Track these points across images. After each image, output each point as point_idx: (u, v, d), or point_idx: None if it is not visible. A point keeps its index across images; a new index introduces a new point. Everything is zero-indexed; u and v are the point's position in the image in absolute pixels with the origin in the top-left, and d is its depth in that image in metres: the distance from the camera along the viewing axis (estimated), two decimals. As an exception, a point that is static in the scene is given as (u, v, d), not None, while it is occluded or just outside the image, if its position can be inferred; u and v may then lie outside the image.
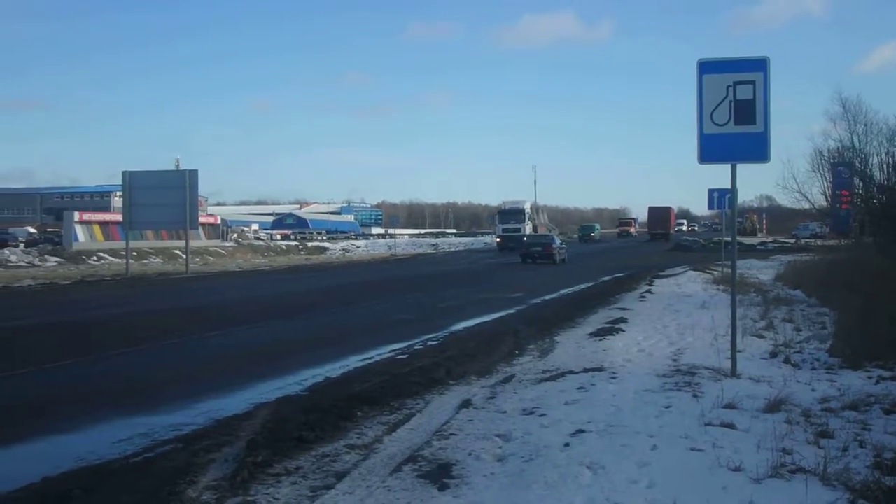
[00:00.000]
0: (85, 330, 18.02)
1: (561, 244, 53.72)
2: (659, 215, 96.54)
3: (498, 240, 69.80)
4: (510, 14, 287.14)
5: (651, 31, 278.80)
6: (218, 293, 28.00)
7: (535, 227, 70.63)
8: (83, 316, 20.76)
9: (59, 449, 8.22)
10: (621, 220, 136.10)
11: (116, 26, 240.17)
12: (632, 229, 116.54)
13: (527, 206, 72.96)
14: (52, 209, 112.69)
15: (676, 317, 17.59)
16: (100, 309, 22.58)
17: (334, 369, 11.98)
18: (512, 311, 20.12)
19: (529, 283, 30.49)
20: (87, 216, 62.31)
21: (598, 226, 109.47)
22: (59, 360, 13.14)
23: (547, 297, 23.95)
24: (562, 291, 26.10)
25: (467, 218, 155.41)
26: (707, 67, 10.74)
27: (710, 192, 28.42)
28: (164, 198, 39.73)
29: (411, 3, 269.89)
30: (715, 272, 32.02)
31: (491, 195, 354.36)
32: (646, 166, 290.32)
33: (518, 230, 67.34)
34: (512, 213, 71.46)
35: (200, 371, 12.50)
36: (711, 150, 10.71)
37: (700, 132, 10.68)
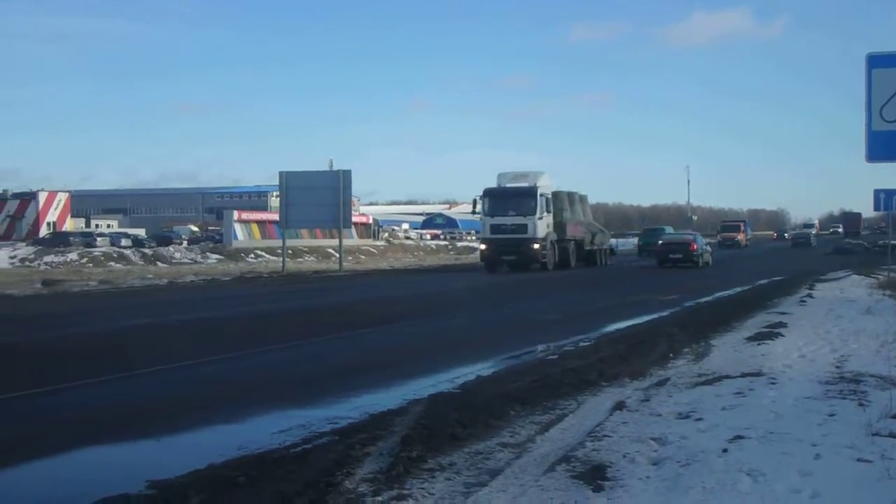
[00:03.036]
0: (245, 325, 18.60)
1: (706, 244, 46.28)
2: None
3: (483, 247, 41.83)
4: (678, 13, 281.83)
5: (824, 27, 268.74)
6: (369, 291, 28.43)
7: (561, 225, 42.83)
8: (242, 311, 21.41)
9: (223, 438, 8.52)
10: (725, 223, 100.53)
11: (278, 31, 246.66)
12: (740, 236, 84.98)
13: (541, 184, 41.53)
14: (213, 208, 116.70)
15: (839, 322, 16.94)
16: (259, 304, 23.25)
17: (485, 368, 12.01)
18: (665, 313, 19.77)
19: (682, 285, 29.89)
20: (245, 215, 64.36)
21: (669, 230, 69.13)
22: (220, 354, 13.60)
23: (701, 300, 23.44)
24: (716, 294, 25.49)
25: (617, 219, 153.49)
26: (877, 61, 10.32)
27: (877, 192, 27.34)
28: (318, 198, 40.77)
29: (577, 5, 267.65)
30: (881, 276, 30.76)
31: (642, 196, 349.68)
32: (807, 166, 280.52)
33: (521, 228, 39.73)
34: (511, 197, 40.61)
35: (355, 366, 12.71)
36: (880, 148, 10.28)
37: (868, 129, 10.27)
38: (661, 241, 47.71)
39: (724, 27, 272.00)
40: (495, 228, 40.47)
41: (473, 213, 43.90)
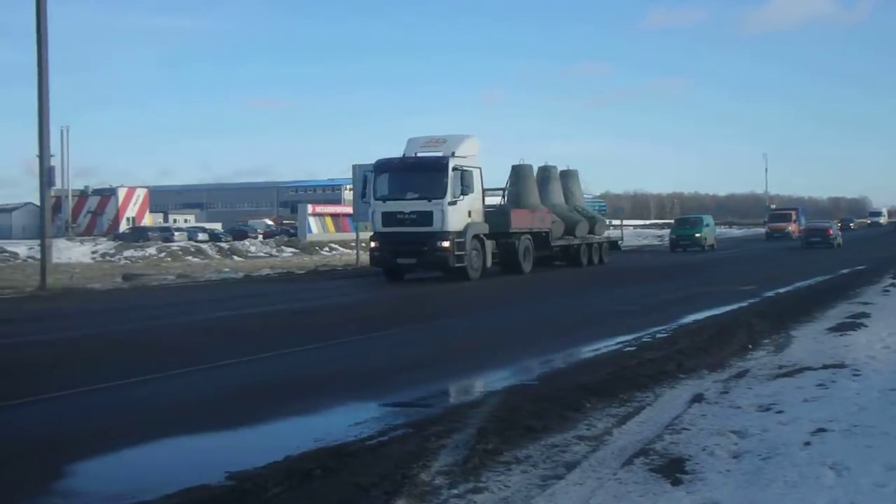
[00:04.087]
0: (320, 317, 18.76)
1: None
2: None
3: (372, 245, 28.56)
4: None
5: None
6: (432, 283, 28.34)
7: (502, 214, 30.43)
8: (317, 304, 21.58)
9: (300, 430, 8.60)
10: (774, 211, 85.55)
11: (347, 22, 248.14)
12: (792, 227, 71.83)
13: (461, 153, 28.66)
14: (287, 202, 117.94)
15: (924, 312, 16.51)
16: (333, 297, 23.45)
17: (560, 360, 11.95)
18: (743, 303, 19.44)
19: (760, 274, 29.42)
20: (319, 209, 64.89)
21: (708, 220, 57.77)
22: (295, 346, 13.71)
23: (781, 290, 23.03)
24: (796, 284, 25.02)
25: (694, 209, 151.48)
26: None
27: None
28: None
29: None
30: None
31: (719, 185, 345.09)
32: (891, 152, 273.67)
33: (424, 218, 27.14)
34: (411, 173, 28.56)
35: (432, 358, 12.74)
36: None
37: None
38: (805, 227, 50.34)
39: (805, 10, 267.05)
40: (389, 218, 27.36)
41: (363, 197, 29.52)
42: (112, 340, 14.93)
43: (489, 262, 28.64)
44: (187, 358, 12.33)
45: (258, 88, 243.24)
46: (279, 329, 16.41)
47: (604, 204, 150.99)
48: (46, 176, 26.83)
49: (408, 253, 27.08)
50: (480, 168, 29.18)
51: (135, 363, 12.05)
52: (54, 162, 31.43)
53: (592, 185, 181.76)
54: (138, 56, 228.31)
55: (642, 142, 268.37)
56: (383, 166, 28.45)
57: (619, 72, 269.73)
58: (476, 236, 27.92)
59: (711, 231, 56.32)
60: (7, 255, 44.71)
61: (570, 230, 35.09)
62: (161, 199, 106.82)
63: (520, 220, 30.67)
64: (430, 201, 26.95)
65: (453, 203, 26.93)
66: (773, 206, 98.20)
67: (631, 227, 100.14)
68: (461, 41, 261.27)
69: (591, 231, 37.25)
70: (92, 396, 10.03)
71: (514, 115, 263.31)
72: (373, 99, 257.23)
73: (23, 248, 47.49)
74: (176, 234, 66.73)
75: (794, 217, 75.81)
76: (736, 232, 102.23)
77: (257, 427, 8.78)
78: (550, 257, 33.69)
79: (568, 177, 38.63)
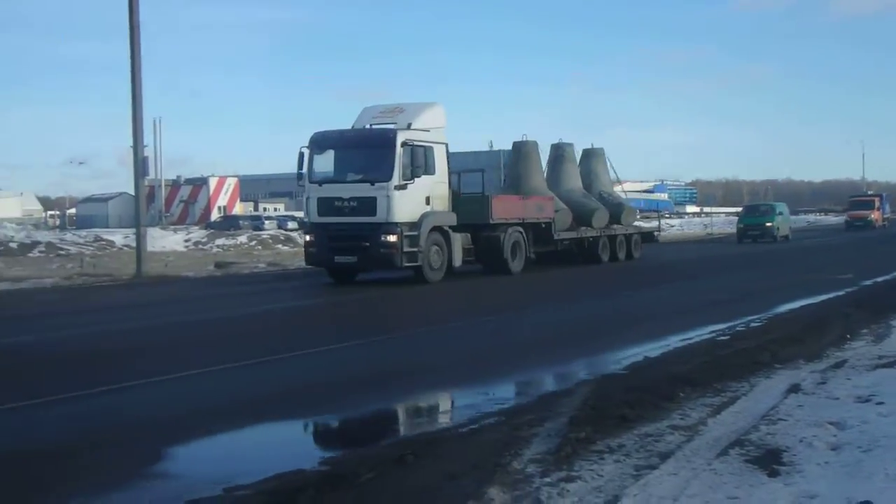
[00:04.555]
0: (402, 305, 18.85)
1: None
2: None
3: (307, 238, 23.60)
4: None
5: None
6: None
7: (478, 202, 25.02)
8: (402, 291, 21.63)
9: (393, 417, 8.68)
10: (855, 198, 74.38)
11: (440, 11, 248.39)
12: (874, 215, 65.28)
13: (419, 125, 23.20)
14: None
15: None
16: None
17: (653, 349, 11.80)
18: (840, 292, 19.00)
19: (858, 263, 28.67)
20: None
21: (781, 208, 52.44)
22: (383, 334, 13.77)
23: (879, 280, 22.45)
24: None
25: (788, 196, 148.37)
26: None
27: None
28: (479, 178, 40.86)
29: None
30: None
31: (815, 171, 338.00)
32: None
33: (366, 206, 21.95)
34: (353, 150, 23.40)
35: (523, 347, 12.70)
36: None
37: None
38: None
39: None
40: (325, 206, 22.45)
41: (298, 181, 23.55)
42: (210, 326, 15.23)
43: (457, 261, 23.27)
44: (275, 346, 12.51)
45: (349, 79, 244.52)
46: (363, 318, 16.57)
47: (694, 191, 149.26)
48: (140, 166, 27.39)
49: (346, 249, 21.96)
50: (446, 144, 23.62)
51: (233, 349, 12.28)
52: (148, 152, 32.03)
53: (683, 173, 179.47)
54: (229, 47, 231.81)
55: (734, 128, 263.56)
56: (319, 142, 23.11)
57: (710, 56, 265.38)
58: (437, 229, 22.62)
59: (785, 220, 51.52)
60: (104, 243, 45.86)
61: (583, 220, 29.51)
62: (251, 187, 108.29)
63: (505, 209, 25.23)
64: (372, 185, 21.73)
65: (402, 187, 21.62)
66: (870, 192, 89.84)
67: (723, 215, 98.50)
68: (546, 24, 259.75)
69: (617, 221, 31.40)
70: (192, 381, 10.26)
71: (602, 99, 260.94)
72: (464, 92, 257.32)
73: (118, 237, 48.66)
74: (266, 222, 67.73)
75: (877, 204, 68.56)
76: (832, 219, 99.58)
77: (352, 414, 8.90)
78: (557, 253, 28.34)
79: (591, 157, 33.56)
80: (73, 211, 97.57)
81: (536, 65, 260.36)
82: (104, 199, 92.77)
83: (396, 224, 21.47)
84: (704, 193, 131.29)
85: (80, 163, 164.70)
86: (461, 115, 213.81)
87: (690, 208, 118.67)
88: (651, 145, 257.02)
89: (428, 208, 22.51)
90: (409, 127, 22.64)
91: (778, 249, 41.15)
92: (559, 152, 31.70)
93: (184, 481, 6.54)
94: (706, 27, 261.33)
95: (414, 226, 21.88)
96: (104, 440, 7.62)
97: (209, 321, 16.08)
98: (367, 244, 21.58)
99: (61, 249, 39.77)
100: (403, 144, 21.73)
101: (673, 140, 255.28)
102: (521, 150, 29.57)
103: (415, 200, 22.11)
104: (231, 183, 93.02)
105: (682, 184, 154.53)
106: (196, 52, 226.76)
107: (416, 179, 21.84)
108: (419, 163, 21.90)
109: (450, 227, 23.14)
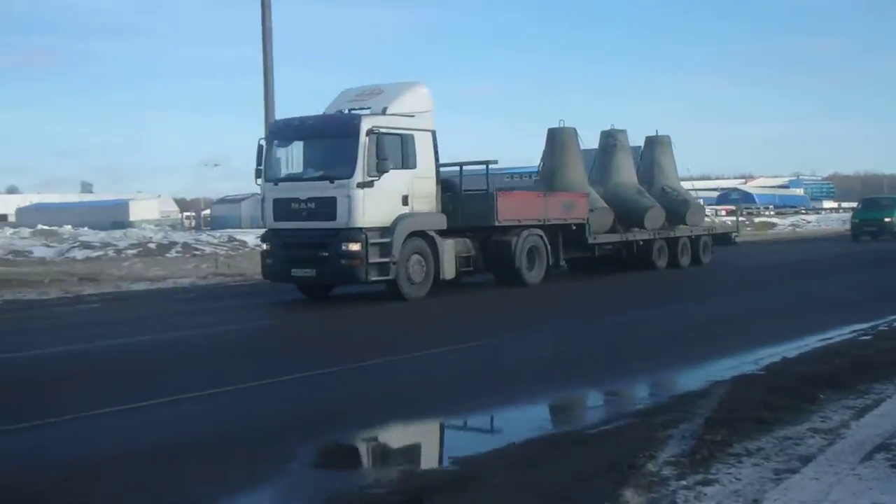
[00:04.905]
0: (543, 302, 18.74)
1: None
2: None
3: (264, 246, 19.69)
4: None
5: None
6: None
7: (479, 200, 21.29)
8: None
9: (522, 417, 8.64)
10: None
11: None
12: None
13: (395, 110, 19.10)
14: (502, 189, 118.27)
15: None
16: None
17: (790, 349, 11.46)
18: None
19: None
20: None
21: None
22: (520, 329, 13.72)
23: None
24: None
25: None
26: None
27: None
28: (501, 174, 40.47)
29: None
30: None
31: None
32: None
33: (324, 208, 18.16)
34: (314, 141, 19.30)
35: (655, 346, 12.55)
36: None
37: None
38: None
39: None
40: (282, 208, 18.92)
41: (257, 178, 19.56)
42: (342, 324, 15.43)
43: (449, 272, 19.40)
44: (415, 343, 12.63)
45: (471, 74, 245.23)
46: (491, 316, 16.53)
47: (832, 186, 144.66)
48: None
49: (304, 260, 18.33)
50: (433, 131, 19.63)
51: (374, 347, 12.48)
52: None
53: (819, 168, 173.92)
54: (357, 45, 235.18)
55: (872, 121, 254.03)
56: (277, 132, 19.99)
57: (846, 49, 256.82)
58: (419, 234, 18.80)
59: None
60: (237, 243, 46.89)
61: (633, 219, 25.72)
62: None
63: (516, 208, 21.56)
64: (332, 183, 18.03)
65: (367, 184, 17.75)
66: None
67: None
68: (680, 16, 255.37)
69: (681, 220, 27.35)
70: (335, 377, 10.50)
71: (735, 92, 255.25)
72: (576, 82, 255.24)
73: (251, 237, 49.78)
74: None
75: None
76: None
77: (482, 414, 8.93)
78: (595, 259, 24.45)
79: (655, 146, 29.06)
80: (207, 212, 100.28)
81: (665, 53, 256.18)
82: (237, 200, 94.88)
83: (360, 230, 17.69)
84: (842, 188, 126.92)
85: (215, 165, 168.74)
86: (577, 106, 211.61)
87: (827, 203, 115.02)
88: (787, 139, 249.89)
89: (405, 209, 18.54)
90: (384, 111, 18.77)
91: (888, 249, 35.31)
92: (609, 140, 27.38)
93: (321, 480, 6.65)
94: (838, 20, 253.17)
95: (385, 231, 17.99)
96: (247, 438, 7.78)
97: (342, 316, 16.32)
98: (326, 254, 17.88)
99: (196, 249, 40.85)
100: (370, 133, 17.79)
101: (807, 134, 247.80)
102: (556, 139, 25.50)
103: (386, 200, 18.15)
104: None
105: (819, 178, 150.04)
106: (323, 51, 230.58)
107: (386, 174, 17.91)
108: (390, 154, 17.99)
109: (438, 231, 19.16)
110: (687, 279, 24.96)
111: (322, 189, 18.08)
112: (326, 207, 17.95)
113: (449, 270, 19.37)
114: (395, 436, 8.26)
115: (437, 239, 19.04)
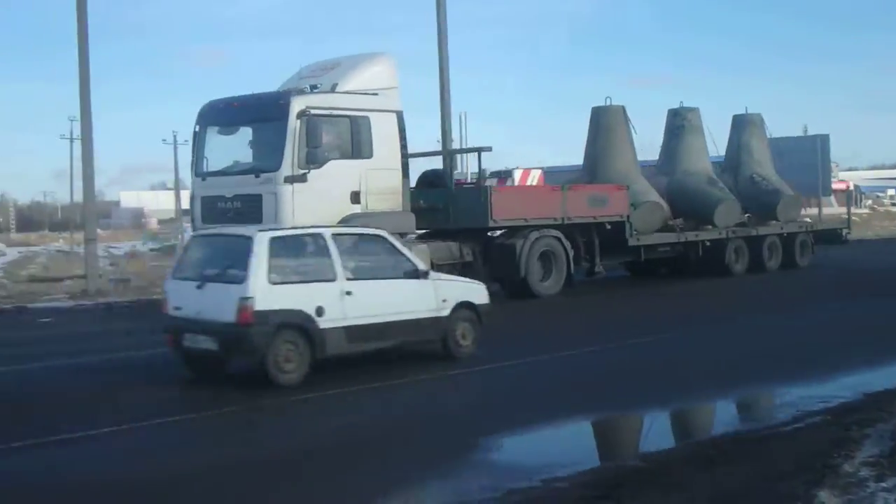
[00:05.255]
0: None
1: None
2: None
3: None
4: None
5: None
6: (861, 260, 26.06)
7: (475, 197, 17.63)
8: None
9: (705, 414, 8.48)
10: None
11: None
12: None
13: (359, 84, 15.68)
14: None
15: None
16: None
17: None
18: None
19: None
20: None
21: None
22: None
23: None
24: None
25: None
26: None
27: None
28: (796, 162, 39.24)
29: None
30: None
31: None
32: None
33: (250, 207, 14.59)
34: (239, 126, 15.86)
35: (848, 343, 11.95)
36: None
37: None
38: None
39: None
40: (209, 209, 15.57)
41: (193, 173, 16.41)
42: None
43: None
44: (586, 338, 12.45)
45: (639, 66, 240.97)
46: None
47: None
48: (449, 159, 27.78)
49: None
50: (398, 112, 15.99)
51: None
52: (454, 146, 32.45)
53: None
54: (528, 40, 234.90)
55: None
56: (208, 115, 16.08)
57: None
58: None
59: None
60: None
61: (700, 215, 21.80)
62: (556, 179, 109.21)
63: (517, 205, 18.00)
64: (257, 177, 14.78)
65: (298, 179, 14.40)
66: None
67: None
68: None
69: (771, 215, 23.02)
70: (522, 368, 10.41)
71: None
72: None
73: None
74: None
75: None
76: None
77: (662, 411, 8.81)
78: (645, 264, 20.81)
79: (743, 127, 24.32)
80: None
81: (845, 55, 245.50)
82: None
83: None
84: None
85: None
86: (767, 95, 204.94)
87: None
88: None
89: (356, 208, 14.93)
90: (333, 88, 15.42)
91: None
92: (678, 121, 23.10)
93: (501, 471, 6.68)
94: None
95: None
96: (424, 429, 7.89)
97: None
98: None
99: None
100: (302, 115, 14.43)
101: None
102: (600, 121, 21.44)
103: (327, 198, 14.54)
104: (536, 174, 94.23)
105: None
106: (492, 44, 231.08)
107: (329, 166, 14.64)
108: (333, 141, 14.91)
109: (408, 234, 15.62)
110: (769, 285, 20.33)
111: (248, 185, 14.79)
112: (252, 208, 14.54)
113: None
114: (574, 430, 8.17)
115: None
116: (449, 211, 17.15)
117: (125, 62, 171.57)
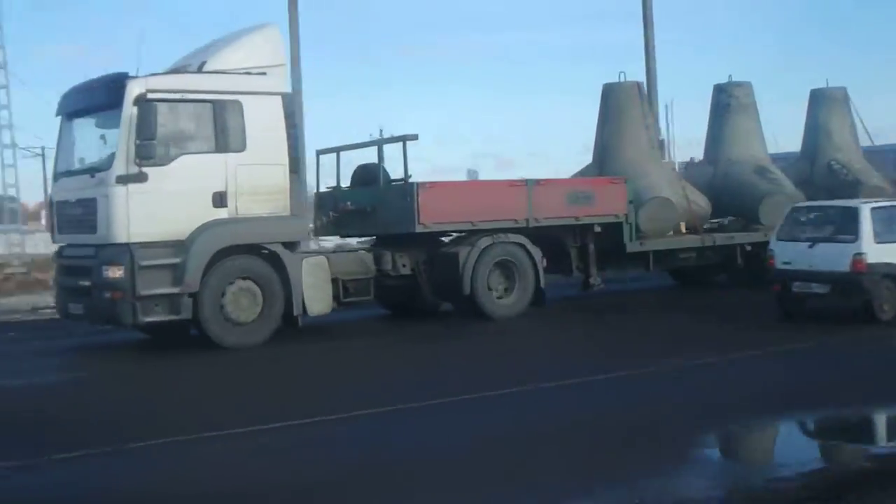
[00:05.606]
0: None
1: None
2: None
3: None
4: None
5: None
6: None
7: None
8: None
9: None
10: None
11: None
12: None
13: (232, 62, 12.72)
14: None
15: None
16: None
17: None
18: None
19: None
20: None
21: None
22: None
23: None
24: None
25: None
26: None
27: None
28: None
29: None
30: None
31: None
32: None
33: (87, 218, 12.26)
34: (84, 115, 13.11)
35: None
36: None
37: None
38: None
39: None
40: (61, 215, 13.37)
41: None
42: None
43: (317, 306, 13.04)
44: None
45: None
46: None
47: None
48: (657, 148, 19.09)
49: (74, 291, 12.80)
50: (284, 94, 13.40)
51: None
52: (661, 136, 25.08)
53: None
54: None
55: None
56: (62, 103, 13.64)
57: None
58: (247, 249, 12.70)
59: None
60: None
61: (744, 212, 17.73)
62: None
63: (455, 206, 14.59)
64: (92, 177, 12.46)
65: (135, 178, 11.86)
66: None
67: None
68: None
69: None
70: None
71: None
72: None
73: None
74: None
75: None
76: None
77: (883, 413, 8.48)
78: (690, 270, 17.99)
79: (823, 105, 20.22)
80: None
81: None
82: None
83: (126, 246, 11.88)
84: None
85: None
86: None
87: None
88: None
89: (221, 213, 12.45)
90: (200, 68, 12.90)
91: None
92: (724, 98, 19.30)
93: (722, 468, 6.72)
94: None
95: (177, 248, 12.04)
96: (642, 427, 7.60)
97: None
98: (88, 283, 12.29)
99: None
100: (140, 101, 11.85)
101: None
102: (609, 100, 18.20)
103: (179, 201, 12.12)
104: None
105: None
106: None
107: (180, 161, 12.20)
108: (176, 131, 12.34)
109: (286, 243, 12.93)
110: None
111: (85, 187, 12.60)
112: (88, 214, 12.42)
113: (317, 301, 13.10)
114: (789, 431, 8.04)
115: (286, 255, 12.79)
116: (378, 214, 14.82)
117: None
